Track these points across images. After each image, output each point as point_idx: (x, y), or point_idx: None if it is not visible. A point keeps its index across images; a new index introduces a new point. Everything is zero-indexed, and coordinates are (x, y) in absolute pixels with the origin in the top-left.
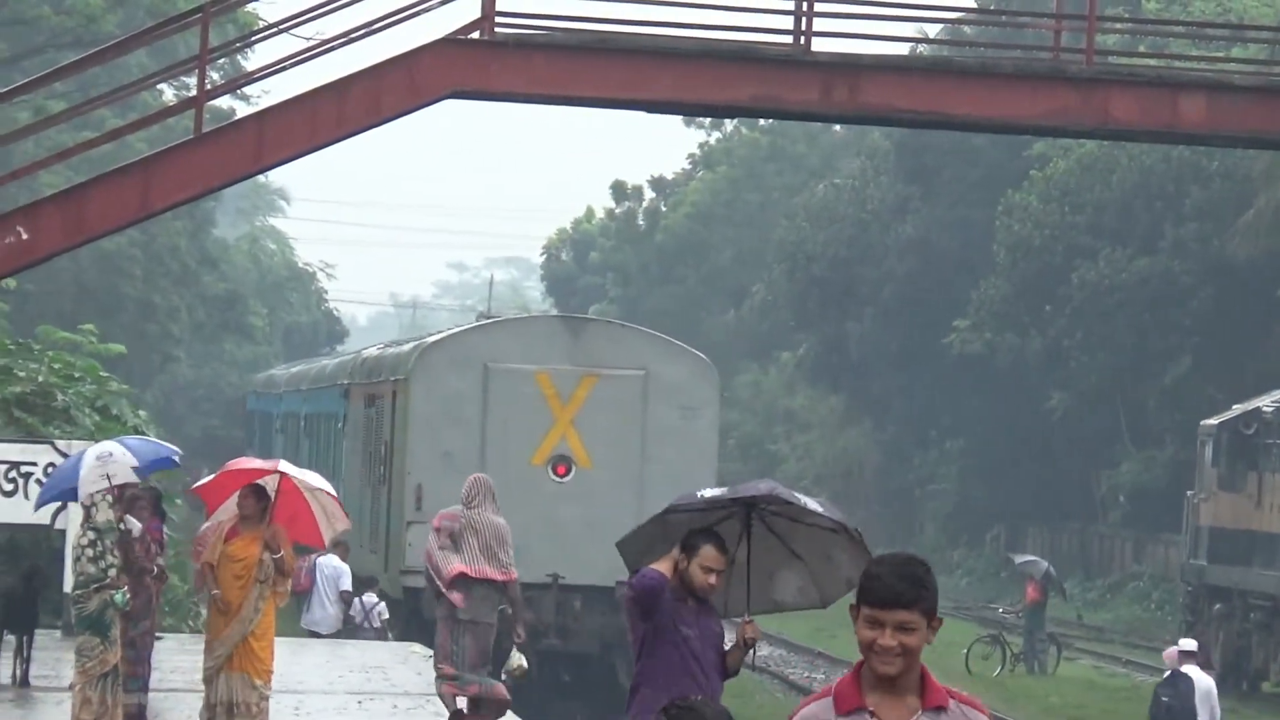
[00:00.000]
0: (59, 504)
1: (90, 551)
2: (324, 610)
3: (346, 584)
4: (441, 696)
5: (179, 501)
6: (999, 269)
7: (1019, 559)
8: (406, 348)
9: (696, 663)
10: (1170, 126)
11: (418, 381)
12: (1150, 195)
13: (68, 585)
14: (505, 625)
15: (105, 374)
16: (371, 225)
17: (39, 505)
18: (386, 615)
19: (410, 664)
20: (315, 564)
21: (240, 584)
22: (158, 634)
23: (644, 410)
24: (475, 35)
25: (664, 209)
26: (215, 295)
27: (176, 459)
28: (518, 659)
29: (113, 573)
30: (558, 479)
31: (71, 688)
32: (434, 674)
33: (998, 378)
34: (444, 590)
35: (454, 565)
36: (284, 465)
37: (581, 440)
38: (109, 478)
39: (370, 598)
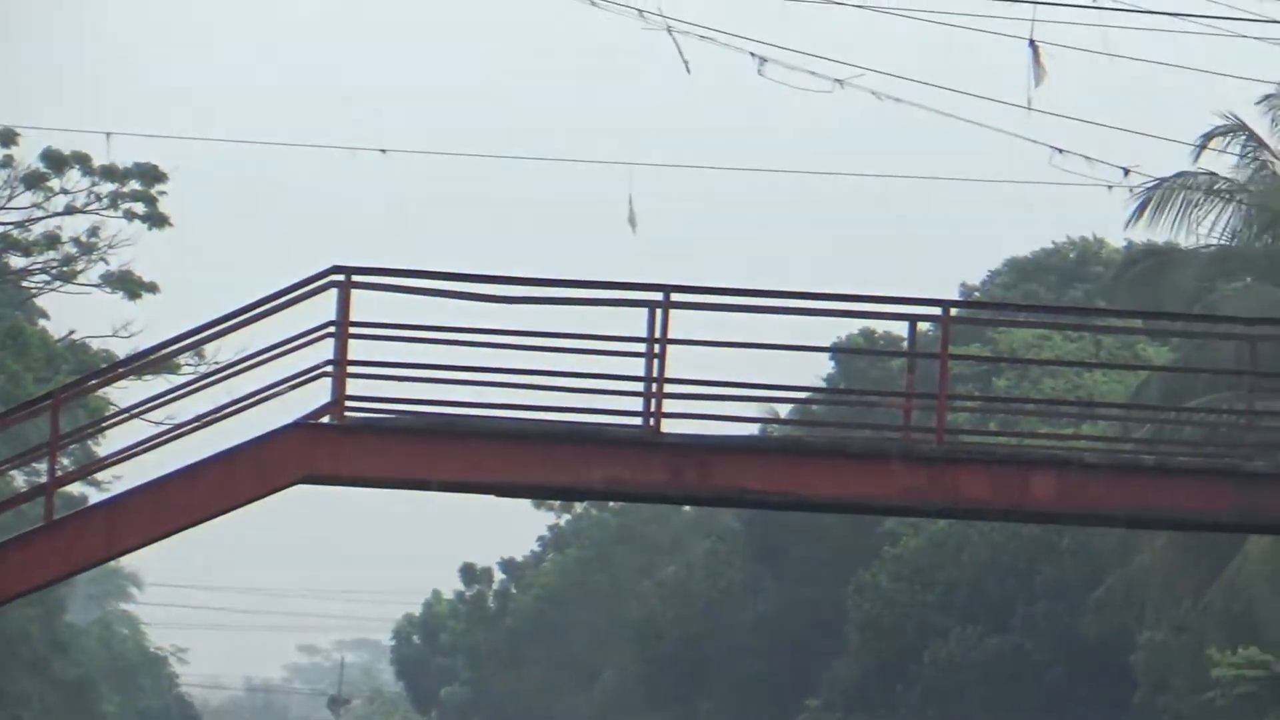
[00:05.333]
0: None
1: None
2: None
3: None
4: None
5: None
6: (850, 647)
7: None
8: None
9: None
10: (1021, 504)
11: None
12: (1001, 572)
13: None
14: None
15: None
16: (223, 609)
17: None
18: None
19: None
20: None
21: None
22: None
23: None
24: (326, 419)
25: (514, 591)
26: (66, 681)
27: None
28: None
29: None
30: None
31: None
32: None
33: None
34: None
35: None
36: None
37: None
38: None
39: None
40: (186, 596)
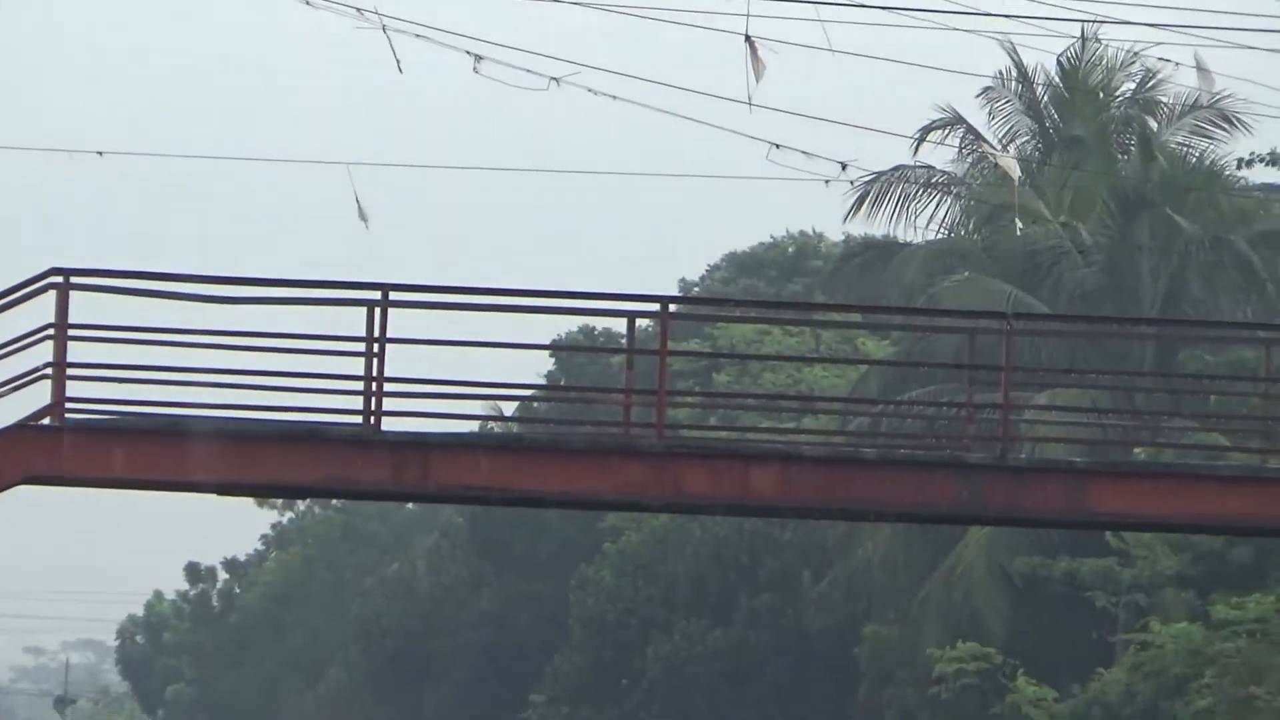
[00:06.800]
0: None
1: None
2: None
3: None
4: None
5: None
6: (574, 642)
7: None
8: None
9: None
10: (742, 498)
11: None
12: (724, 566)
13: None
14: None
15: None
16: None
17: None
18: None
19: None
20: None
21: None
22: None
23: None
24: (46, 421)
25: (238, 590)
26: None
27: None
28: None
29: None
30: None
31: None
32: None
33: None
34: None
35: None
36: None
37: None
38: None
39: None
40: None
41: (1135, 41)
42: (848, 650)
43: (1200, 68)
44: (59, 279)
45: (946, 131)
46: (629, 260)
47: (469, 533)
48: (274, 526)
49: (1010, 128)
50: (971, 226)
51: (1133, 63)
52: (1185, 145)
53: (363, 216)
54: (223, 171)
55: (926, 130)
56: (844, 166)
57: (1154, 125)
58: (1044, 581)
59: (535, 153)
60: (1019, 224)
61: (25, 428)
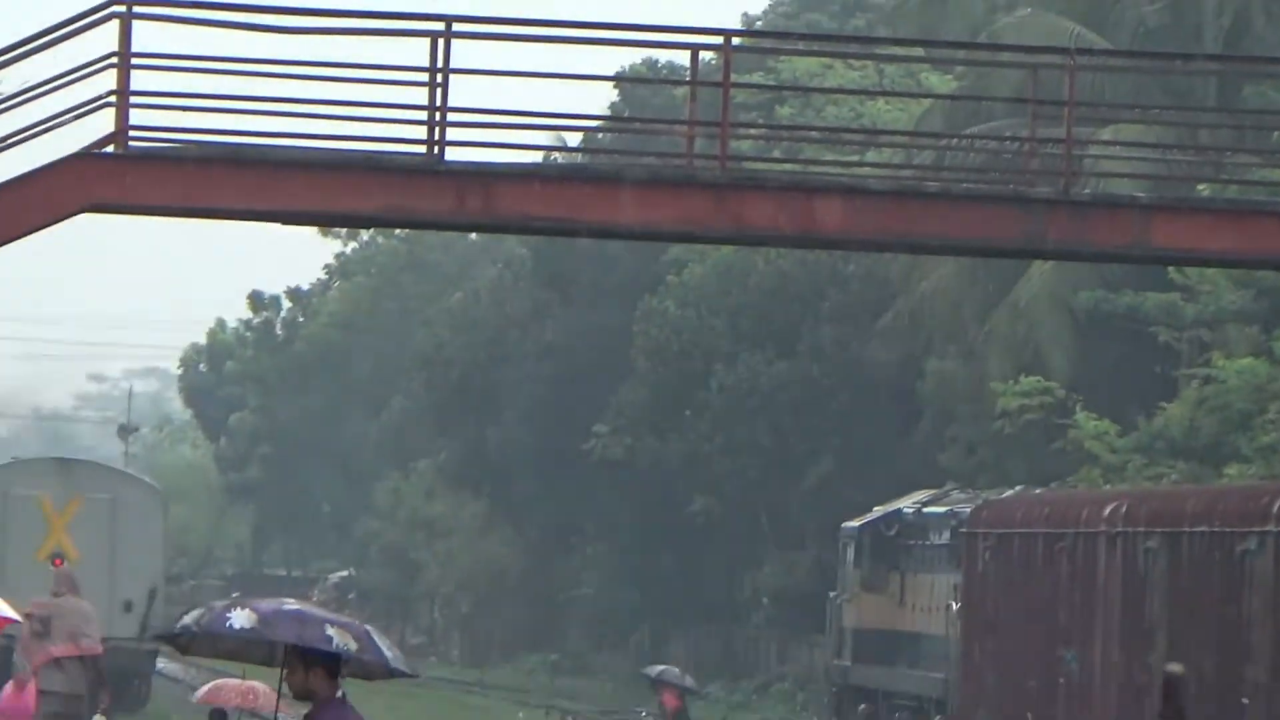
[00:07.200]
0: None
1: None
2: None
3: None
4: None
5: None
6: (638, 374)
7: (653, 670)
8: None
9: None
10: (806, 231)
11: None
12: (788, 299)
13: None
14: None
15: None
16: (9, 338)
17: None
18: None
19: None
20: None
21: None
22: None
23: (112, 520)
24: (110, 149)
25: (301, 319)
26: None
27: None
28: None
29: None
30: (54, 569)
31: None
32: None
33: (639, 482)
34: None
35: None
36: None
37: (71, 541)
38: None
39: None
40: None
41: None
42: (910, 384)
43: None
44: (121, 8)
45: None
46: None
47: (533, 264)
48: (337, 256)
49: None
50: None
51: None
52: None
53: None
54: None
55: None
56: None
57: None
58: (1107, 316)
59: None
60: None
61: (88, 155)
